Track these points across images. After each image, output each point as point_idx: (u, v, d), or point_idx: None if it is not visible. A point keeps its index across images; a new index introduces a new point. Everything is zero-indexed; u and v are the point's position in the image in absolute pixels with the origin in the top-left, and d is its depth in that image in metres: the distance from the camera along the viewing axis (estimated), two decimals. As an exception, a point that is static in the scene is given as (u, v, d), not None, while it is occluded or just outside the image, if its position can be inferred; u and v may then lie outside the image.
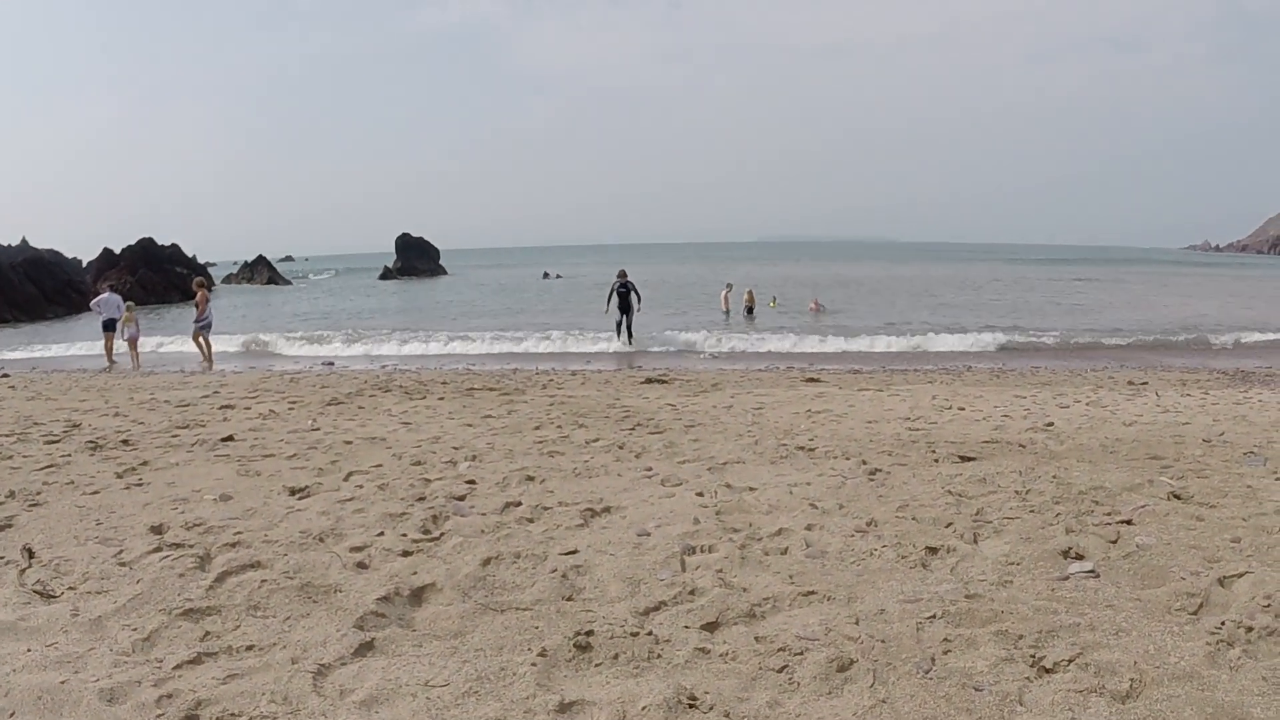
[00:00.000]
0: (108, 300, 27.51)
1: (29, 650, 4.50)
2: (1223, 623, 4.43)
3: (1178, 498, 6.83)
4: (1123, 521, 6.18)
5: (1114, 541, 5.75)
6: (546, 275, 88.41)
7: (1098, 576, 5.22)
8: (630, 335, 29.38)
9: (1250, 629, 4.34)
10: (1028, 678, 3.97)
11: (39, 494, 7.73)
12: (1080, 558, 5.51)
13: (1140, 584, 5.10)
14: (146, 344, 28.02)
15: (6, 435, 10.95)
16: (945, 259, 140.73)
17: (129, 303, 28.85)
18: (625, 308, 29.34)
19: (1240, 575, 5.08)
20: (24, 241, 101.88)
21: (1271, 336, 28.99)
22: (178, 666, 4.29)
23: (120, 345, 27.03)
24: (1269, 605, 4.62)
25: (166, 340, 29.28)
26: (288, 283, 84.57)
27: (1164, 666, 4.00)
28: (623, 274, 29.95)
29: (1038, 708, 3.74)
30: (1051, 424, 11.06)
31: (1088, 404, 13.39)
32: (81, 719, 3.82)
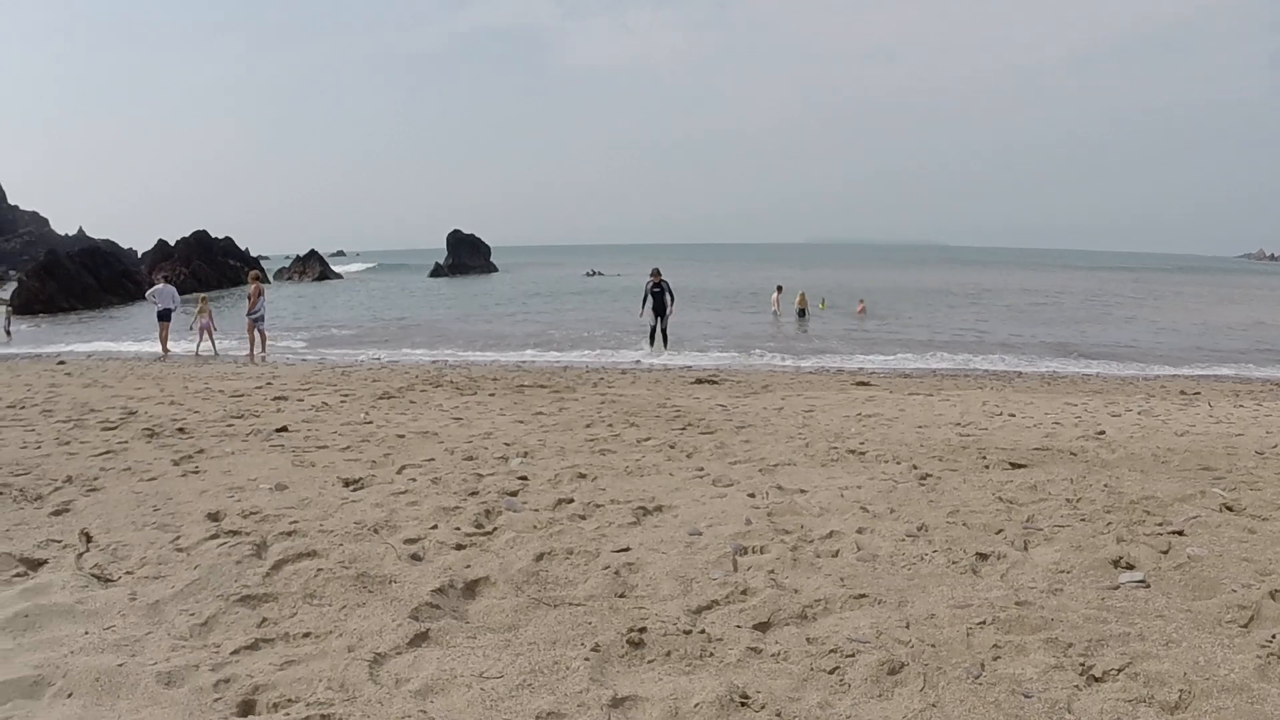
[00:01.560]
0: (162, 291, 27.89)
1: (87, 633, 4.57)
2: (1274, 636, 4.40)
3: (1230, 509, 6.78)
4: (1174, 532, 6.14)
5: (1165, 552, 5.71)
6: (590, 274, 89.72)
7: (1148, 586, 5.20)
8: (665, 339, 27.57)
9: (1301, 643, 4.32)
10: (1077, 686, 3.97)
11: (96, 479, 7.85)
12: (1131, 567, 5.49)
13: (1191, 595, 5.08)
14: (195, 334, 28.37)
15: (64, 421, 11.12)
16: (996, 264, 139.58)
17: (202, 295, 29.36)
18: (659, 310, 27.50)
19: (1292, 589, 5.06)
20: (80, 232, 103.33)
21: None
22: (235, 652, 4.35)
23: (185, 335, 27.46)
24: (1320, 619, 4.61)
25: (221, 335, 29.55)
26: (339, 277, 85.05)
27: (1213, 678, 3.98)
28: (656, 273, 28.05)
29: (1086, 716, 3.73)
30: (1103, 432, 11.00)
31: (1139, 413, 13.30)
32: (139, 702, 3.88)
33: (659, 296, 27.39)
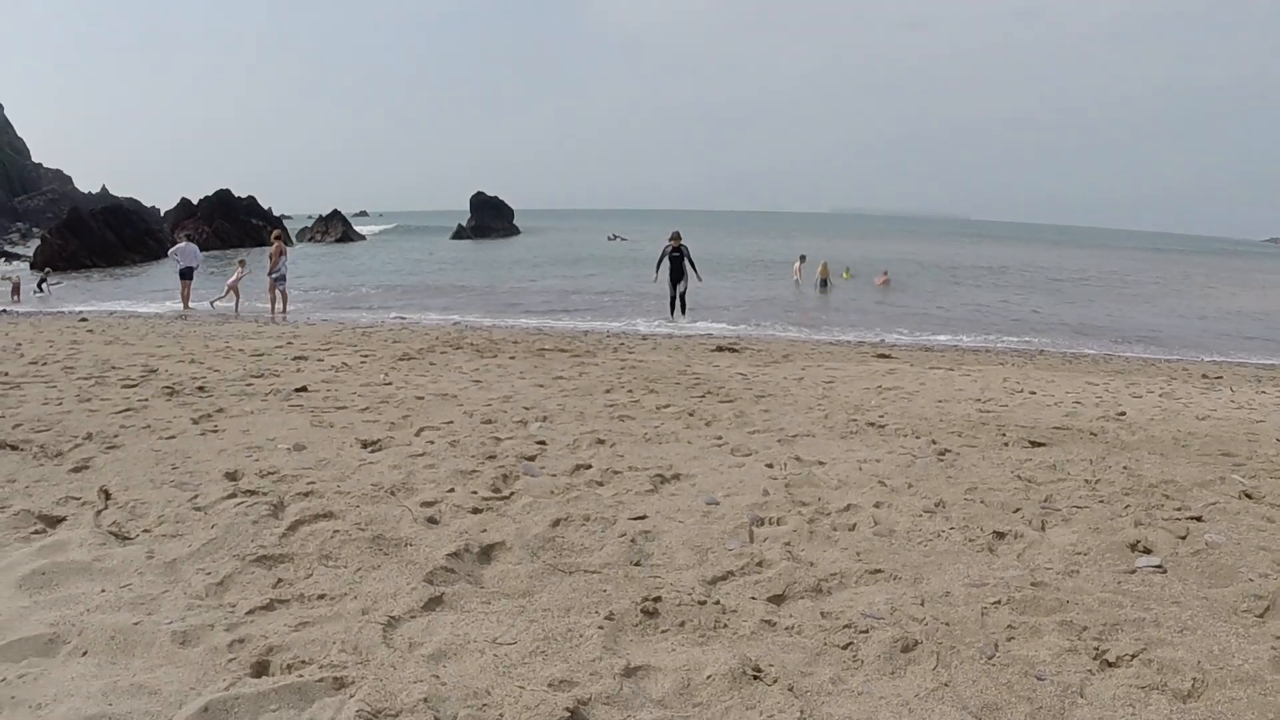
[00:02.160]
0: (185, 249, 28.10)
1: (103, 591, 4.59)
2: (1289, 626, 4.40)
3: (1249, 497, 6.74)
4: (1192, 518, 6.12)
5: (1183, 537, 5.69)
6: (611, 238, 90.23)
7: (1165, 572, 5.18)
8: (684, 307, 26.38)
9: (1317, 635, 4.30)
10: (1090, 670, 3.97)
11: (116, 437, 7.87)
12: (1148, 552, 5.47)
13: (1208, 582, 5.05)
14: (218, 292, 28.55)
15: (85, 378, 11.17)
16: (1019, 240, 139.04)
17: (242, 258, 29.64)
18: (678, 276, 26.16)
19: (1310, 579, 5.03)
20: (104, 190, 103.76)
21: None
22: (250, 612, 4.36)
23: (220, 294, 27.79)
24: (1337, 611, 4.59)
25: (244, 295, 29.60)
26: (361, 238, 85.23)
27: (1227, 668, 3.97)
28: (676, 237, 26.39)
29: (1098, 701, 3.73)
30: (1124, 413, 10.95)
31: (1161, 395, 13.24)
32: (154, 660, 3.89)
33: (678, 262, 26.13)
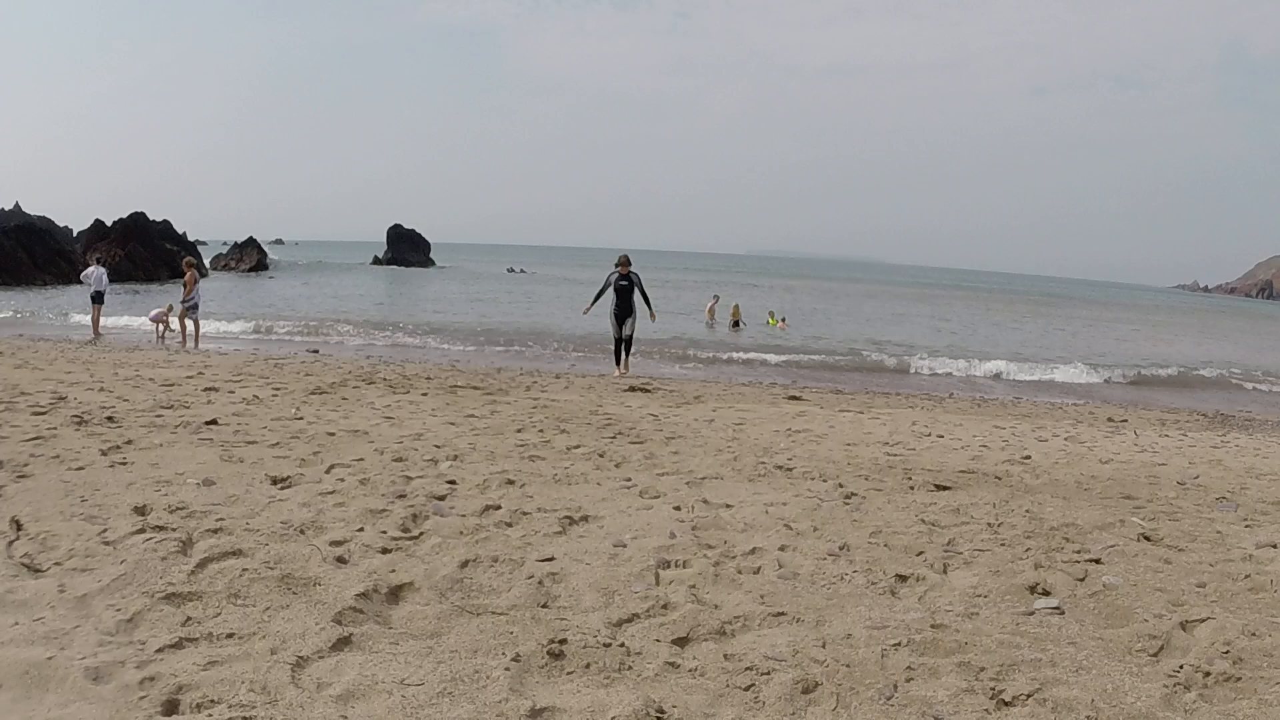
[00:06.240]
0: (92, 273, 27.66)
1: (16, 624, 4.54)
2: (1181, 666, 4.51)
3: (1148, 539, 6.90)
4: (1091, 560, 6.25)
5: (1081, 579, 5.82)
6: (511, 270, 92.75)
7: (1063, 613, 5.30)
8: (628, 350, 21.74)
9: (1208, 674, 4.41)
10: (987, 710, 4.04)
11: (26, 466, 7.75)
12: (1047, 594, 5.59)
13: (1104, 623, 5.18)
14: (134, 319, 28.22)
15: (-5, 404, 10.99)
16: (932, 285, 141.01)
17: (170, 304, 29.15)
18: (625, 312, 21.21)
19: (1203, 620, 5.15)
20: (17, 207, 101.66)
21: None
22: (160, 650, 4.33)
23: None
24: (1228, 651, 4.69)
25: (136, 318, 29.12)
26: (278, 266, 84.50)
27: (1120, 706, 4.08)
28: (624, 263, 21.28)
29: (995, 740, 3.82)
30: (1029, 457, 11.13)
31: (1066, 439, 13.46)
32: (67, 696, 3.86)
33: (625, 294, 21.22)
